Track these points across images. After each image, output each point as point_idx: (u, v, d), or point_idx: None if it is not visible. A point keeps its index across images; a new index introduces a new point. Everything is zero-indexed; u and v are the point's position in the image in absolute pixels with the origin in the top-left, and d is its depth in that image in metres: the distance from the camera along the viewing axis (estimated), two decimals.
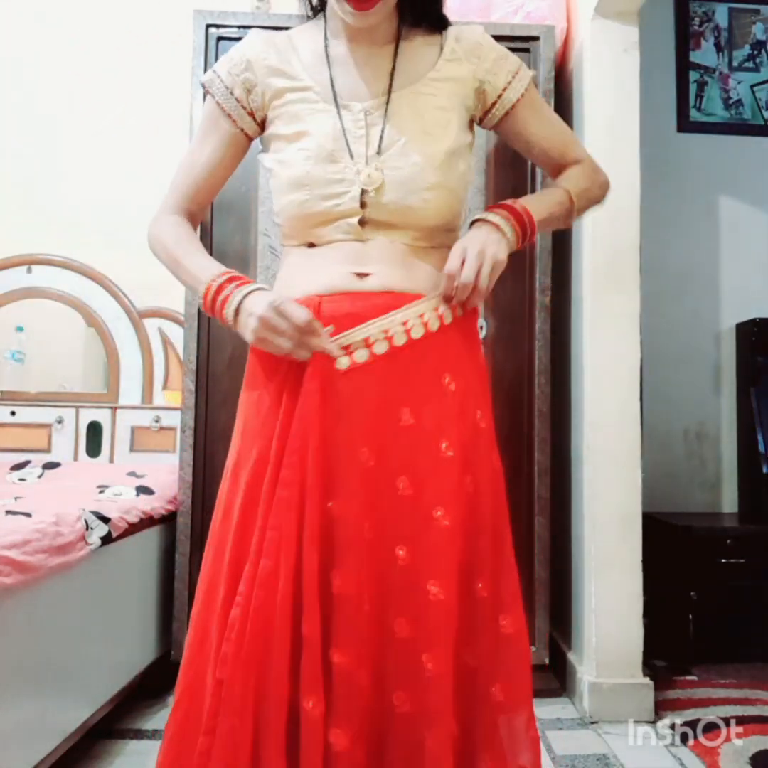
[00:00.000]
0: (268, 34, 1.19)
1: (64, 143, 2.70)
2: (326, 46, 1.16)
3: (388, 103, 1.11)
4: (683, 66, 3.09)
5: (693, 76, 3.10)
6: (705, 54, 3.11)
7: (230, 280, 1.07)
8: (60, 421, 2.59)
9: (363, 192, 1.08)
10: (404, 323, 1.07)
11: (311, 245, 1.13)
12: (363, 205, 1.08)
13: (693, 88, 3.09)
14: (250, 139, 1.20)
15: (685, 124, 3.08)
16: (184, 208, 1.19)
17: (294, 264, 1.15)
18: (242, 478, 1.08)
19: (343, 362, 1.05)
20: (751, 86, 3.13)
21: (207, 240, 2.22)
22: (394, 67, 1.13)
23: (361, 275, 1.09)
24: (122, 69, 2.71)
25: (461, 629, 1.05)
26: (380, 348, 1.06)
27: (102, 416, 2.61)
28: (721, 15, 3.12)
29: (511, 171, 2.29)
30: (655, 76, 2.97)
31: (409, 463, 1.05)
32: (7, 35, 2.72)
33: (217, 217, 2.24)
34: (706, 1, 3.11)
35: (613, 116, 2.16)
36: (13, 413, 2.59)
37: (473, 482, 1.09)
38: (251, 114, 1.16)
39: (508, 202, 1.13)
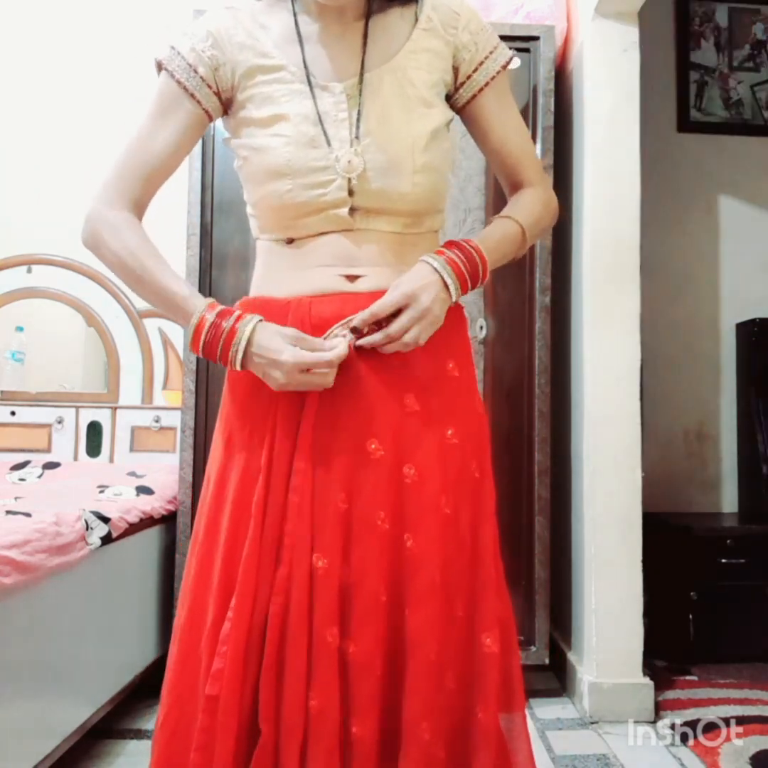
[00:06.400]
0: (233, 10, 1.08)
1: (64, 142, 2.69)
2: (297, 23, 1.07)
3: (362, 83, 1.04)
4: (683, 66, 3.08)
5: (693, 76, 3.09)
6: (705, 54, 3.11)
7: (221, 315, 0.99)
8: (60, 421, 2.59)
9: (349, 179, 1.02)
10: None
11: (291, 240, 1.06)
12: (351, 193, 1.02)
13: (693, 88, 3.09)
14: (211, 120, 1.11)
15: (685, 124, 3.07)
16: (135, 199, 1.07)
17: (276, 264, 1.09)
18: (228, 492, 1.04)
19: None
20: (751, 86, 3.12)
21: (207, 240, 2.23)
22: (365, 45, 1.06)
23: (351, 278, 1.04)
24: (121, 68, 2.71)
25: (484, 615, 1.03)
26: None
27: (102, 416, 2.61)
28: (721, 15, 3.12)
29: None
30: (655, 76, 2.96)
31: (416, 450, 1.03)
32: (10, 33, 2.72)
33: (217, 217, 2.23)
34: (706, 1, 3.11)
35: (613, 116, 2.16)
36: (13, 413, 2.59)
37: (479, 469, 1.08)
38: (217, 94, 1.07)
39: (468, 247, 1.04)
